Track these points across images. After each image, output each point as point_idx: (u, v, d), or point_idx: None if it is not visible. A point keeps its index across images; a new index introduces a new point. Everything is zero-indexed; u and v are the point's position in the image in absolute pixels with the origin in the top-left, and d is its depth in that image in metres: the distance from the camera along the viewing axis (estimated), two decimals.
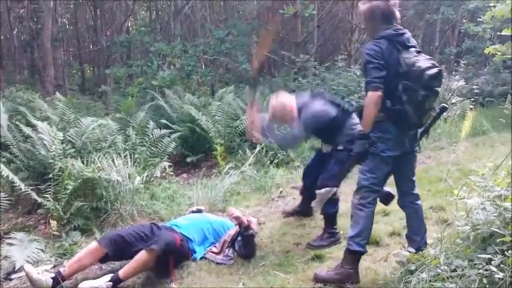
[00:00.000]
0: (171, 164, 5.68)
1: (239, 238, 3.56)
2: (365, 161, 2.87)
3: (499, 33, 4.92)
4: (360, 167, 3.00)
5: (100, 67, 14.28)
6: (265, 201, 4.88)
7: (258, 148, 6.10)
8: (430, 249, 2.84)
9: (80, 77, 16.86)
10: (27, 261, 3.32)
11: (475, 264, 2.28)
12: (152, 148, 5.65)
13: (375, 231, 3.31)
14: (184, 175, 6.43)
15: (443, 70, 2.82)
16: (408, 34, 2.89)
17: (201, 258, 3.46)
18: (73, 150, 4.83)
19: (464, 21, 12.55)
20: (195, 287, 3.09)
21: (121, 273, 3.04)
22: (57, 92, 7.23)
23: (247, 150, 6.21)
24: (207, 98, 8.15)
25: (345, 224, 3.90)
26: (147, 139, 5.74)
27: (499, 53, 4.26)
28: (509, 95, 7.41)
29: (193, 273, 3.25)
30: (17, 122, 5.28)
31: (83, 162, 4.51)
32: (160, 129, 6.01)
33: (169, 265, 3.20)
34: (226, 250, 3.53)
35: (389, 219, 3.96)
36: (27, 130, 4.74)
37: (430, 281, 2.34)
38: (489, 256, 2.26)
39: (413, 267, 2.61)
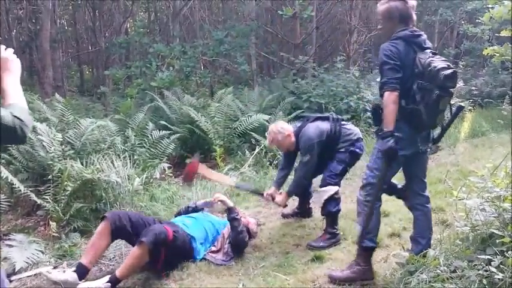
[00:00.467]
0: (170, 165, 5.68)
1: None
2: (396, 159, 2.81)
3: (497, 34, 4.93)
4: (368, 164, 3.00)
5: (99, 68, 14.29)
6: (264, 203, 4.87)
7: (257, 149, 6.11)
8: (430, 250, 2.85)
9: (78, 78, 16.88)
10: (44, 265, 3.31)
11: (475, 265, 2.29)
12: (151, 149, 5.65)
13: None
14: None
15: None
16: (424, 36, 2.92)
17: (201, 259, 3.46)
18: (72, 151, 4.82)
19: (462, 22, 12.60)
20: None
21: (118, 272, 3.04)
22: (56, 93, 7.23)
23: (247, 152, 6.22)
24: (206, 99, 8.16)
25: (344, 225, 3.93)
26: (146, 140, 5.75)
27: (498, 54, 4.28)
28: (507, 96, 7.42)
29: (193, 275, 3.24)
30: None
31: (82, 164, 4.51)
32: (159, 130, 6.02)
33: (159, 258, 3.16)
34: (226, 246, 3.53)
35: (389, 220, 3.96)
36: None
37: (430, 281, 2.35)
38: (489, 257, 2.27)
39: (413, 268, 2.61)
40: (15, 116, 1.71)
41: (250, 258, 3.52)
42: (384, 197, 3.10)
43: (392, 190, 3.18)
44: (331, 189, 3.71)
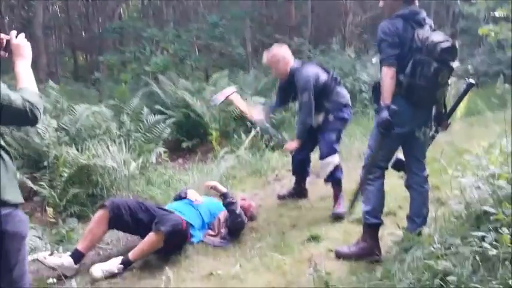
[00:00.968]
0: (166, 149, 5.68)
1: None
2: (391, 131, 2.84)
3: (492, 13, 4.90)
4: (369, 142, 3.06)
5: (93, 54, 14.19)
6: (261, 185, 4.90)
7: (253, 132, 6.09)
8: (425, 228, 2.87)
9: (72, 65, 16.74)
10: (41, 251, 3.32)
11: (469, 241, 2.30)
12: (147, 134, 5.65)
13: None
14: (180, 160, 6.44)
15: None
16: (424, 14, 2.93)
17: (198, 241, 3.48)
18: (67, 137, 4.82)
19: (458, 1, 12.48)
20: (193, 271, 3.11)
21: (131, 255, 3.11)
22: (49, 80, 7.17)
23: (243, 135, 6.21)
24: (201, 83, 8.12)
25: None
26: (141, 125, 5.74)
27: (493, 34, 4.26)
28: (501, 75, 7.42)
29: (191, 257, 3.27)
30: None
31: (77, 150, 4.50)
32: (154, 115, 6.01)
33: (172, 247, 3.24)
34: (222, 230, 3.55)
35: (385, 199, 3.97)
36: None
37: (424, 258, 2.36)
38: (482, 234, 2.28)
39: (408, 246, 2.63)
40: (25, 100, 1.77)
41: (247, 239, 3.54)
42: None
43: (400, 166, 3.17)
44: (333, 159, 3.89)
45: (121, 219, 3.26)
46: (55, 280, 2.96)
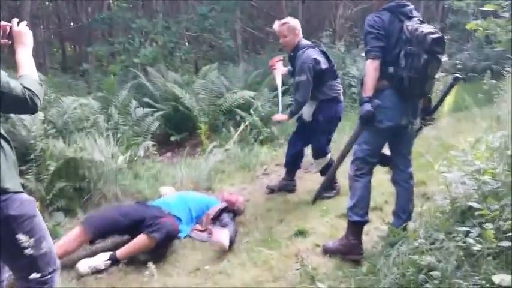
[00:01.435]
0: (154, 143, 5.65)
1: (221, 217, 3.58)
2: (373, 123, 2.85)
3: (481, 8, 4.91)
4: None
5: (81, 45, 14.03)
6: (249, 179, 4.89)
7: (242, 126, 6.09)
8: (410, 223, 2.89)
9: (60, 55, 16.54)
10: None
11: (454, 237, 2.32)
12: (135, 127, 5.61)
13: None
14: (169, 154, 6.41)
15: None
16: (411, 6, 2.92)
17: (186, 236, 3.47)
18: (54, 130, 4.75)
19: None
20: (180, 266, 3.11)
21: (119, 253, 3.09)
22: (37, 71, 7.07)
23: (232, 129, 6.20)
24: (190, 75, 8.08)
25: (327, 200, 3.98)
26: (129, 118, 5.69)
27: (481, 29, 4.27)
28: (488, 71, 7.47)
29: (177, 251, 3.27)
30: None
31: (64, 143, 4.44)
32: (143, 108, 5.96)
33: (161, 249, 3.22)
34: (210, 226, 3.55)
35: (371, 194, 3.99)
36: None
37: (409, 253, 2.38)
38: (467, 229, 2.30)
39: (393, 241, 2.65)
40: (25, 87, 1.79)
41: None
42: None
43: (386, 161, 3.19)
44: (325, 160, 4.10)
45: (102, 236, 3.21)
46: None
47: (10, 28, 1.96)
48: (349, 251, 2.98)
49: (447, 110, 6.80)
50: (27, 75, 1.88)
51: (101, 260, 3.05)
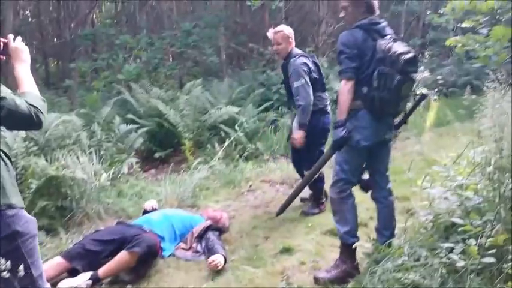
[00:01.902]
0: (138, 159, 5.61)
1: (207, 235, 3.54)
2: (343, 147, 2.85)
3: (459, 25, 5.01)
4: (336, 159, 3.00)
5: (64, 61, 13.90)
6: (234, 196, 4.87)
7: (227, 142, 6.08)
8: (395, 240, 2.89)
9: (43, 71, 16.38)
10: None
11: (438, 253, 2.33)
12: (119, 144, 5.56)
13: None
14: (153, 171, 6.35)
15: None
16: (384, 23, 2.91)
17: (170, 255, 3.43)
18: (36, 147, 4.68)
19: (428, 12, 12.77)
20: (163, 285, 3.06)
21: (100, 272, 3.04)
22: None
23: (216, 145, 6.18)
24: (175, 91, 8.06)
25: (312, 217, 3.97)
26: (113, 135, 5.64)
27: (460, 44, 4.34)
28: (468, 87, 7.62)
29: (161, 271, 3.22)
30: None
31: (46, 160, 4.38)
32: (126, 124, 5.92)
33: (144, 266, 3.18)
34: (194, 245, 3.51)
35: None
36: None
37: (394, 270, 2.38)
38: (451, 245, 2.31)
39: (378, 258, 2.64)
40: (30, 104, 1.81)
41: None
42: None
43: (364, 185, 3.16)
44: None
45: (86, 266, 3.12)
46: None
47: (5, 44, 1.97)
48: (349, 274, 2.88)
49: (429, 125, 6.89)
50: (30, 92, 1.91)
51: (82, 279, 2.99)
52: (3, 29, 10.07)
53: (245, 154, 6.07)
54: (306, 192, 4.29)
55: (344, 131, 2.78)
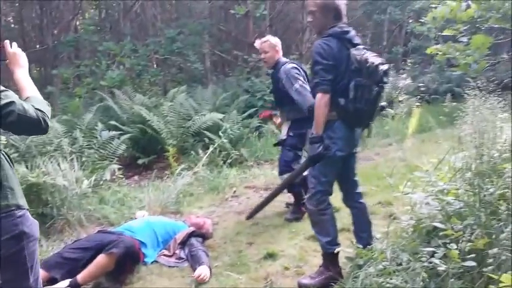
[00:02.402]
0: (121, 166, 5.56)
1: (190, 241, 3.52)
2: (319, 161, 2.80)
3: (439, 33, 5.10)
4: (312, 172, 2.93)
5: (47, 67, 13.73)
6: (218, 202, 4.86)
7: (211, 148, 6.06)
8: (378, 244, 2.90)
9: None
10: None
11: (420, 257, 2.35)
12: (101, 150, 5.50)
13: None
14: (136, 177, 6.30)
15: (392, 69, 2.88)
16: (353, 32, 2.86)
17: (152, 262, 3.39)
18: (16, 154, 4.64)
19: (410, 21, 12.98)
20: None
21: (79, 278, 2.98)
22: None
23: (200, 151, 6.17)
24: (158, 98, 8.03)
25: (295, 223, 3.98)
26: (95, 141, 5.58)
27: (441, 53, 4.42)
28: (449, 94, 7.76)
29: (144, 278, 3.18)
30: None
31: (27, 167, 4.32)
32: (109, 130, 5.86)
33: (124, 270, 3.14)
34: (177, 252, 3.48)
35: (339, 215, 3.96)
36: None
37: (377, 275, 2.39)
38: (432, 249, 2.33)
39: (361, 262, 2.65)
40: (37, 109, 1.83)
41: None
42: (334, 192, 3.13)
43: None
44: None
45: (65, 275, 3.06)
46: None
47: (2, 49, 2.00)
48: (332, 280, 2.86)
49: (411, 132, 6.98)
50: (35, 96, 1.92)
51: (62, 286, 2.93)
52: None
53: (229, 160, 6.05)
54: (291, 197, 4.31)
55: (321, 148, 2.71)
